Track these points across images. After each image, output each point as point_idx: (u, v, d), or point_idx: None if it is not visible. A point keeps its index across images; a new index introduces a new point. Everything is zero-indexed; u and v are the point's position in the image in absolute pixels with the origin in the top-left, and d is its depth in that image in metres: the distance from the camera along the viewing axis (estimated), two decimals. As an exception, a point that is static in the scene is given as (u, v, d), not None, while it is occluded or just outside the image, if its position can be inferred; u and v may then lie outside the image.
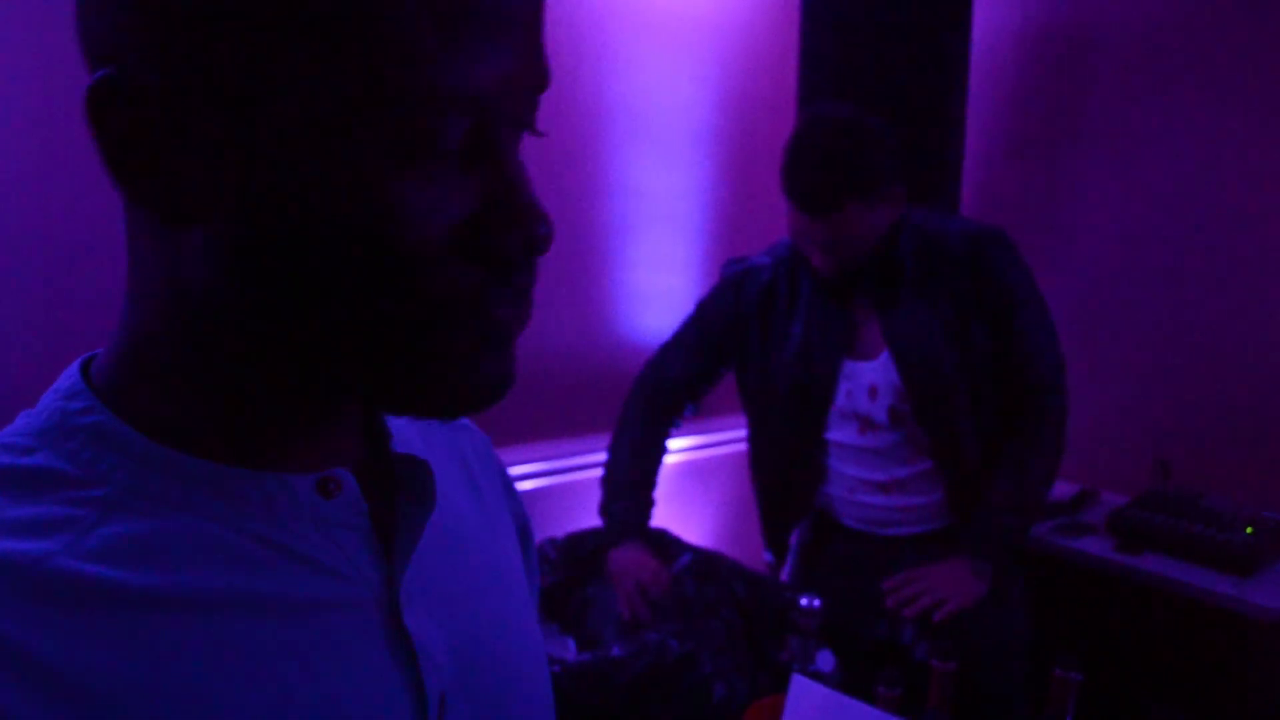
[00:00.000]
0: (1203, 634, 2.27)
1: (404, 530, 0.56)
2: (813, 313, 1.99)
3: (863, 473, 2.02)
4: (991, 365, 1.89)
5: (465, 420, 0.73)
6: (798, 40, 2.71)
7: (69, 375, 0.54)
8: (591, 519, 2.94)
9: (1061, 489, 2.62)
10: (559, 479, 2.84)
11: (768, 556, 2.30)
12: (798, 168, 1.82)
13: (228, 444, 0.52)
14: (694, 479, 3.26)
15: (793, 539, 2.22)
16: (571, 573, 2.44)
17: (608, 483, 2.16)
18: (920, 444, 1.95)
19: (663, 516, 3.12)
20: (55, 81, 1.96)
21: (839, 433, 2.01)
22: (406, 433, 0.63)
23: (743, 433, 3.46)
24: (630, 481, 2.15)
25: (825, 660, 2.02)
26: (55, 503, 0.48)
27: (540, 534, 2.72)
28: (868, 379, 1.96)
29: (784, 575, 2.22)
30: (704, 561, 2.56)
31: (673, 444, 3.17)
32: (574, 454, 2.88)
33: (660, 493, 3.21)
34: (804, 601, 2.27)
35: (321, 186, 0.45)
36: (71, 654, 0.44)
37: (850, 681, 1.81)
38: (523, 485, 2.76)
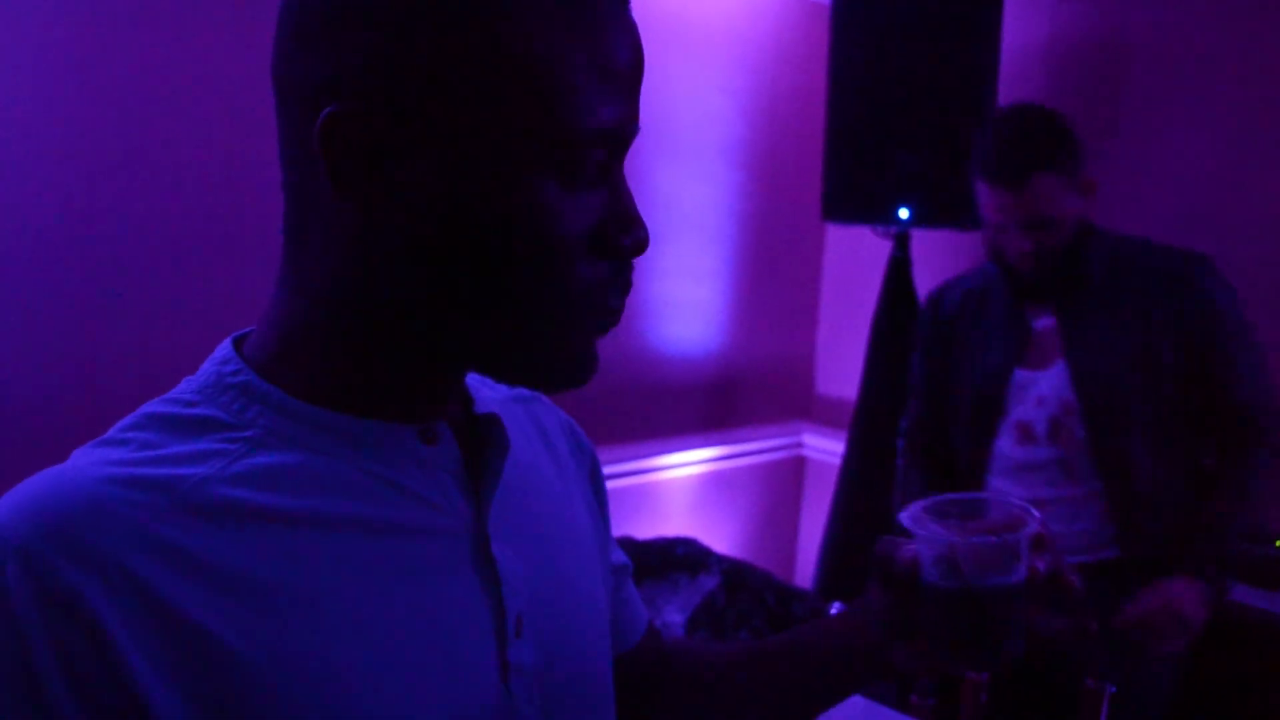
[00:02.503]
0: (1237, 646, 2.26)
1: (488, 473, 0.68)
2: (993, 322, 1.97)
3: (1008, 488, 1.94)
4: (1180, 390, 1.82)
5: (544, 398, 0.87)
6: (827, 53, 2.72)
7: (223, 348, 0.67)
8: (623, 528, 2.95)
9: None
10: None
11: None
12: (988, 143, 1.82)
13: (349, 400, 0.64)
14: (721, 489, 3.27)
15: None
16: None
17: None
18: (1074, 466, 1.87)
19: (691, 527, 3.14)
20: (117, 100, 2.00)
21: (1002, 440, 1.95)
22: (486, 401, 0.75)
23: (769, 443, 3.48)
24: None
25: (855, 670, 2.02)
26: (211, 441, 0.61)
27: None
28: (1037, 389, 1.91)
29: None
30: (733, 573, 2.57)
31: (698, 454, 3.20)
32: (604, 463, 2.88)
33: (687, 502, 3.23)
34: (833, 611, 2.28)
35: (498, 198, 0.59)
36: (220, 556, 0.56)
37: (882, 691, 1.82)
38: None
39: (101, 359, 2.06)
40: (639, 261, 0.66)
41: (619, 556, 0.91)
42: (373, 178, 0.59)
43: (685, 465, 3.14)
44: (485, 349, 0.63)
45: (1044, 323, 1.91)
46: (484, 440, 0.69)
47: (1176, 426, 1.84)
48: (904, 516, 0.73)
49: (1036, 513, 0.72)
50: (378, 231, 0.60)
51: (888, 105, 2.61)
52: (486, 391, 0.78)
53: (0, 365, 1.97)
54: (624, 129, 0.62)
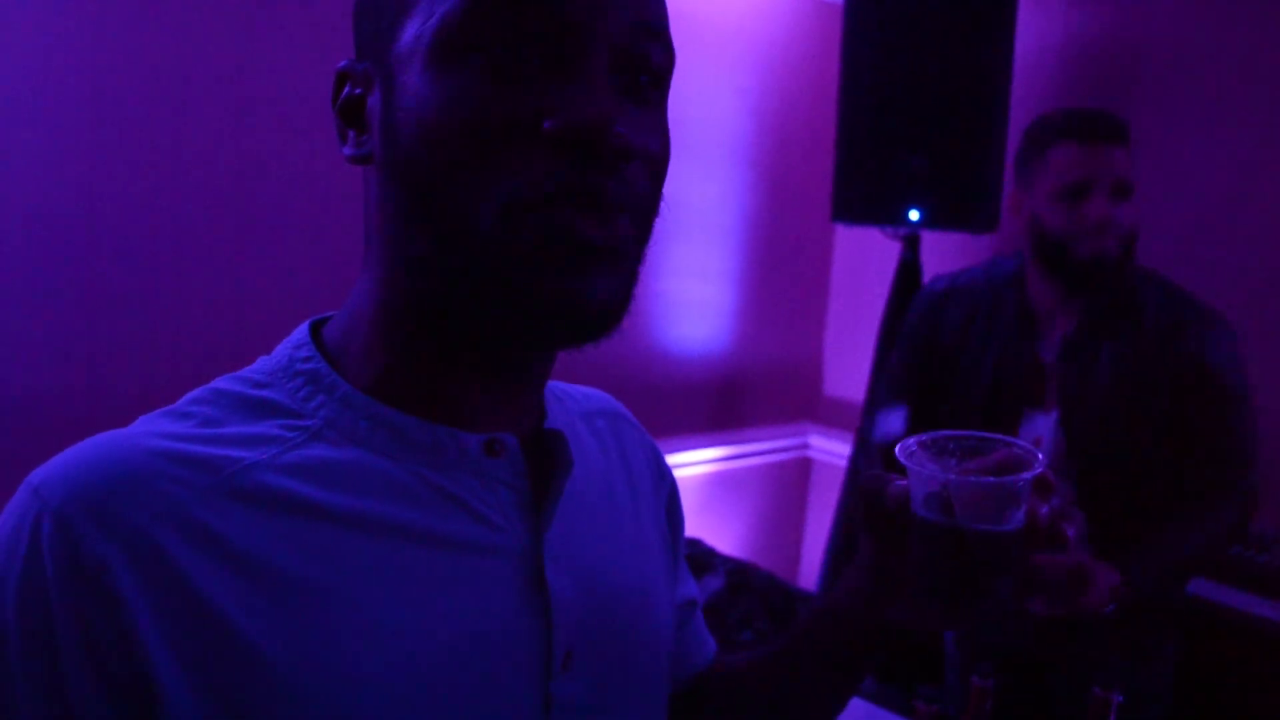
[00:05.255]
0: (1242, 656, 2.25)
1: (550, 493, 0.64)
2: (1005, 354, 1.83)
3: None
4: (1166, 440, 1.74)
5: (631, 416, 0.84)
6: (838, 53, 2.71)
7: (300, 331, 0.65)
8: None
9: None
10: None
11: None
12: (1064, 113, 1.80)
13: (416, 400, 0.61)
14: (726, 489, 3.26)
15: None
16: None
17: None
18: None
19: (694, 527, 3.13)
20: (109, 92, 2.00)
21: None
22: (560, 415, 0.72)
23: (775, 444, 3.47)
24: None
25: (858, 674, 2.01)
26: (272, 426, 0.59)
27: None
28: (1036, 431, 1.79)
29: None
30: (737, 573, 2.56)
31: (702, 454, 3.19)
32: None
33: (692, 503, 3.21)
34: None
35: (420, 99, 0.57)
36: (254, 545, 0.55)
37: (885, 695, 1.81)
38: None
39: (108, 355, 2.06)
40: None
41: (689, 590, 0.87)
42: (356, 124, 0.63)
43: (690, 465, 3.13)
44: (460, 298, 0.58)
45: (1051, 353, 1.81)
46: (550, 457, 0.65)
47: (1160, 485, 1.75)
48: (899, 450, 0.66)
49: (1041, 455, 0.65)
50: (371, 185, 0.62)
51: (899, 106, 2.59)
52: (569, 405, 0.76)
53: (8, 361, 1.97)
54: (547, 12, 0.56)
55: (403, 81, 0.58)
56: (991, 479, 0.64)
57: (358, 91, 0.62)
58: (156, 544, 0.53)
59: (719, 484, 3.23)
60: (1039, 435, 1.79)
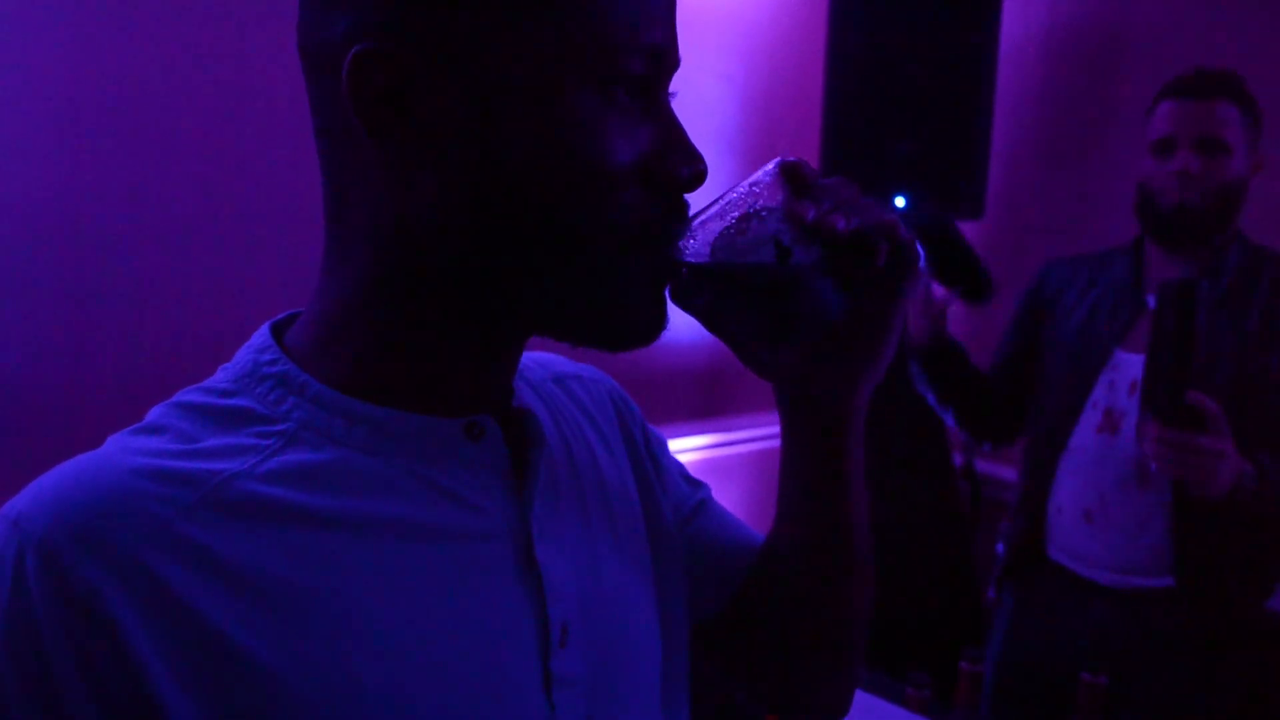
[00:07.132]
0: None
1: (529, 472, 0.64)
2: (1103, 296, 1.89)
3: (1076, 488, 1.84)
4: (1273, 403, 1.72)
5: (572, 367, 0.82)
6: (824, 39, 2.71)
7: (261, 334, 0.63)
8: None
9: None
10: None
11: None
12: (1179, 75, 1.85)
13: (391, 392, 0.60)
14: (714, 477, 3.25)
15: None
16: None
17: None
18: (1151, 468, 1.71)
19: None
20: (82, 89, 1.98)
21: (1081, 429, 1.84)
22: (525, 392, 0.72)
23: (763, 430, 3.46)
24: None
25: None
26: (247, 435, 0.58)
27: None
28: (1134, 372, 1.77)
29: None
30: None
31: (690, 442, 3.18)
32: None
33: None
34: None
35: (532, 121, 0.56)
36: (246, 558, 0.54)
37: (876, 681, 1.81)
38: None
39: (91, 348, 2.04)
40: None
41: (696, 493, 0.88)
42: (403, 119, 0.56)
43: (678, 453, 3.11)
44: (536, 303, 0.60)
45: (1153, 300, 1.77)
46: (523, 436, 0.65)
47: (1259, 445, 1.68)
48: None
49: (778, 159, 0.66)
50: (414, 182, 0.57)
51: (885, 91, 2.59)
52: (529, 376, 0.75)
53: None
54: (666, 50, 0.59)
55: (519, 100, 0.56)
56: (710, 208, 0.63)
57: (407, 85, 0.56)
58: (146, 566, 0.51)
59: (708, 472, 3.22)
60: (1133, 379, 1.78)
